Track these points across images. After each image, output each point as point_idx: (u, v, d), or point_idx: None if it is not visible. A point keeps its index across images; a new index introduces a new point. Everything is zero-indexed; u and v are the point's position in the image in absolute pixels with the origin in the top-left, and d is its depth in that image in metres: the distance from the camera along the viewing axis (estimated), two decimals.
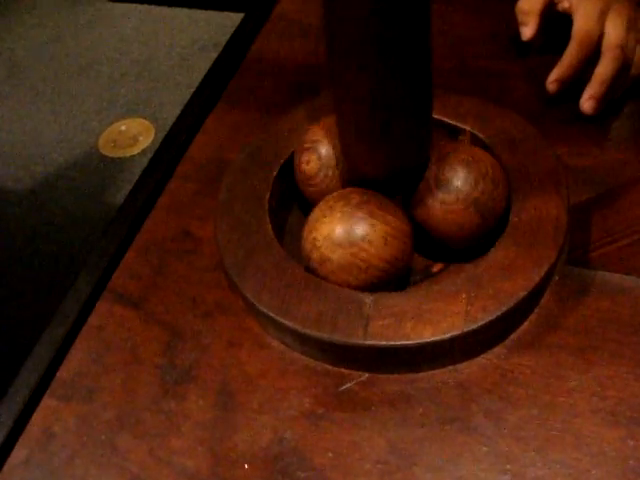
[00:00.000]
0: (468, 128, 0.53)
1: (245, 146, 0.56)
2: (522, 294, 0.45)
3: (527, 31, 0.61)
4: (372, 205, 0.47)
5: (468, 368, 0.47)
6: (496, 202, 0.47)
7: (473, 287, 0.45)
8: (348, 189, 0.49)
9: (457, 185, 0.47)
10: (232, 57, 0.69)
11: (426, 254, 0.52)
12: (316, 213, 0.48)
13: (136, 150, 1.47)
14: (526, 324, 0.48)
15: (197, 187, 0.60)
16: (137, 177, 0.62)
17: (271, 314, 0.46)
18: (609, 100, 0.58)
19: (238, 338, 0.50)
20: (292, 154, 0.55)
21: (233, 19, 1.37)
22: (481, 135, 0.53)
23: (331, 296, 0.46)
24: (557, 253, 0.46)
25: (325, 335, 0.45)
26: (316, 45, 0.69)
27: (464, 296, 0.45)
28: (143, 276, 0.55)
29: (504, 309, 0.44)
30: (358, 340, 0.45)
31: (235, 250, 0.50)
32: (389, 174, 0.48)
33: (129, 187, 0.62)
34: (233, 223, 0.51)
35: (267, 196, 0.52)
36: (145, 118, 1.49)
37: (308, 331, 0.45)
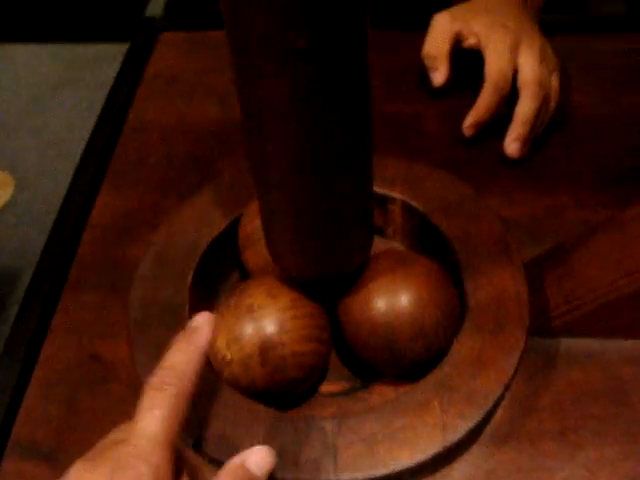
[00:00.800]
0: (398, 196, 0.48)
1: (148, 246, 0.49)
2: (498, 391, 0.40)
3: (438, 77, 0.57)
4: (243, 285, 0.45)
5: (449, 476, 0.42)
6: (438, 329, 0.42)
7: (444, 392, 0.40)
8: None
9: (386, 315, 0.42)
10: (109, 129, 0.61)
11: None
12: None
13: None
14: (500, 413, 0.44)
15: (96, 297, 0.51)
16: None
17: (223, 459, 0.40)
18: (533, 138, 0.55)
19: None
20: (206, 251, 0.48)
21: (80, 51, 1.24)
22: (414, 203, 0.48)
23: (286, 427, 0.40)
24: (525, 335, 0.42)
25: (289, 475, 0.39)
26: (201, 107, 0.62)
27: (436, 404, 0.40)
28: (52, 419, 0.46)
29: (482, 412, 0.40)
30: (329, 477, 0.39)
31: None
32: (318, 279, 0.43)
33: None
34: (152, 348, 0.44)
35: (186, 309, 0.45)
36: (1, 170, 1.35)
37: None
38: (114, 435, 0.33)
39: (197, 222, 0.49)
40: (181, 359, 0.33)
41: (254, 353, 0.42)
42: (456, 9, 0.58)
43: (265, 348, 0.42)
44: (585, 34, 0.63)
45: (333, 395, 0.46)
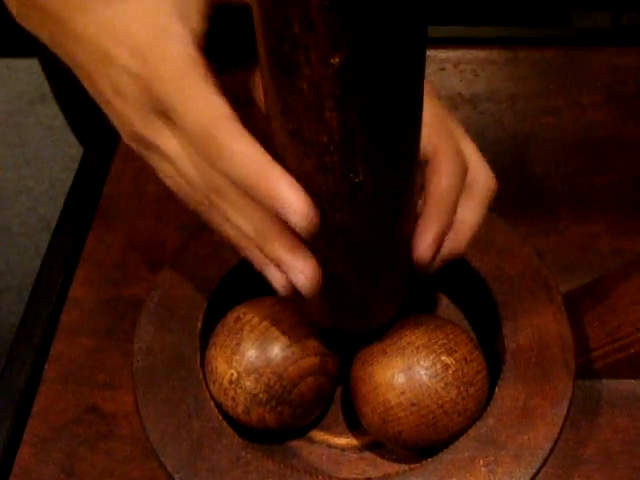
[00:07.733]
0: None
1: (152, 287, 0.44)
2: (547, 447, 0.37)
3: None
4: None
5: None
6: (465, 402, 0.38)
7: (489, 448, 0.37)
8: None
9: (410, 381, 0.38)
10: (100, 154, 0.56)
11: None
12: (207, 370, 0.40)
13: None
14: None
15: (93, 342, 0.47)
16: None
17: None
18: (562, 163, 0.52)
19: None
20: (216, 291, 0.44)
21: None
22: None
23: None
24: (573, 383, 0.38)
25: None
26: None
27: (482, 462, 0.36)
28: None
29: (533, 471, 0.36)
30: None
31: (174, 444, 0.38)
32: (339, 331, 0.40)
33: None
34: (162, 404, 0.40)
35: (197, 358, 0.41)
36: None
37: None
38: None
39: (205, 258, 0.45)
40: None
41: (261, 383, 0.39)
42: None
43: (280, 379, 0.39)
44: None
45: (360, 449, 0.42)
